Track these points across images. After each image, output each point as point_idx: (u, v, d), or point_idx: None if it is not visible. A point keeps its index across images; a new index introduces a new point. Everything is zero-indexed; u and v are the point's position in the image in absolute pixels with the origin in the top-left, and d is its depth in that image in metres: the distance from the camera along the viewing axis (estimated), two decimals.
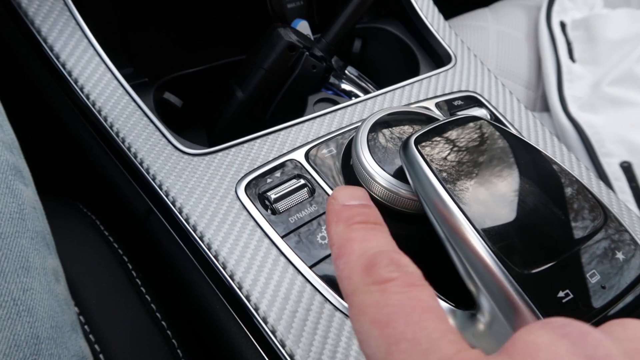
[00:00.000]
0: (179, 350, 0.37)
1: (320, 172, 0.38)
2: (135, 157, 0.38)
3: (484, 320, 0.30)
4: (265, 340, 0.32)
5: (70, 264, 0.35)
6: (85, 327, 0.35)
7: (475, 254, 0.29)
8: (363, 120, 0.38)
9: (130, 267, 0.40)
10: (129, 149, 0.39)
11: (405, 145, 0.33)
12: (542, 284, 0.28)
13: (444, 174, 0.31)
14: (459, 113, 0.45)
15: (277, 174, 0.38)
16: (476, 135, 0.34)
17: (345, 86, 0.52)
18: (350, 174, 0.38)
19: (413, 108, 0.41)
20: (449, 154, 0.32)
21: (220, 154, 0.39)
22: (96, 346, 0.35)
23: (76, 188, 0.56)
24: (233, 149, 0.39)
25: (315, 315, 0.32)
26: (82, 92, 0.41)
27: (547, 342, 0.18)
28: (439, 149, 0.33)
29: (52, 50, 0.42)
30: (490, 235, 0.29)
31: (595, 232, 0.31)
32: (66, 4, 0.44)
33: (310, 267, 0.33)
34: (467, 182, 0.31)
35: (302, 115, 0.43)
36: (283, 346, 0.31)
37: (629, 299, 0.29)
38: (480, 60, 0.53)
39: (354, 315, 0.22)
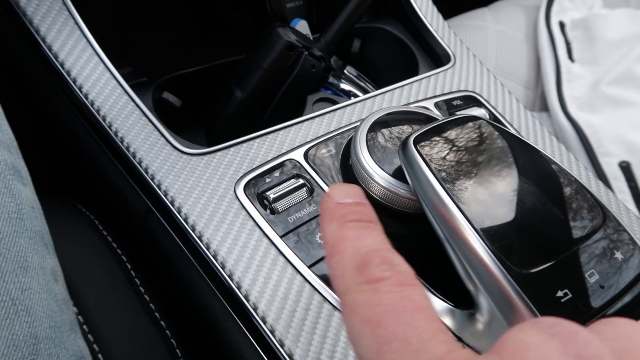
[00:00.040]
0: (177, 350, 0.37)
1: (319, 172, 0.38)
2: (134, 156, 0.38)
3: (482, 320, 0.30)
4: (264, 339, 0.32)
5: (68, 263, 0.35)
6: (84, 326, 0.35)
7: (474, 253, 0.29)
8: (362, 120, 0.38)
9: (129, 266, 0.40)
10: (127, 148, 0.39)
11: (404, 145, 0.33)
12: (541, 284, 0.28)
13: (443, 174, 0.31)
14: (458, 113, 0.45)
15: (276, 173, 0.38)
16: (475, 135, 0.34)
17: (345, 86, 0.52)
18: (349, 173, 0.38)
19: (412, 108, 0.41)
20: (448, 153, 0.32)
21: (219, 153, 0.39)
22: (95, 346, 0.35)
23: (75, 188, 0.55)
24: (232, 149, 0.39)
25: (314, 315, 0.32)
26: (81, 91, 0.41)
27: (537, 342, 0.18)
28: (438, 149, 0.33)
29: (50, 49, 0.42)
30: (489, 234, 0.29)
31: (593, 232, 0.31)
32: (64, 3, 0.43)
33: (309, 267, 0.33)
34: (466, 181, 0.31)
35: (301, 115, 0.43)
36: (282, 345, 0.31)
37: (627, 298, 0.29)
38: (480, 60, 0.53)
39: (346, 314, 0.22)
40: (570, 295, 0.28)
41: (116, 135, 0.39)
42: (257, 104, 0.49)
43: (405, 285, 0.21)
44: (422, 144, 0.33)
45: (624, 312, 0.29)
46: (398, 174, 0.35)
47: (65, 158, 0.53)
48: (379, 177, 0.35)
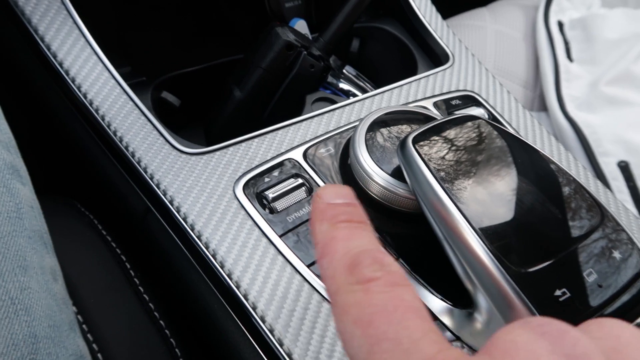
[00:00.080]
0: (177, 350, 0.37)
1: (318, 172, 0.38)
2: (133, 156, 0.38)
3: (481, 319, 0.30)
4: (263, 339, 0.32)
5: (68, 263, 0.35)
6: (83, 326, 0.35)
7: (473, 253, 0.29)
8: (361, 120, 0.38)
9: (128, 266, 0.40)
10: (126, 147, 0.39)
11: (403, 144, 0.33)
12: (539, 283, 0.28)
13: (442, 173, 0.31)
14: (456, 112, 0.45)
15: (275, 173, 0.38)
16: (474, 135, 0.34)
17: (343, 85, 0.52)
18: (348, 173, 0.38)
19: (411, 107, 0.41)
20: (446, 153, 0.32)
21: (218, 153, 0.39)
22: (94, 345, 0.35)
23: (74, 187, 0.55)
24: (231, 148, 0.39)
25: (313, 314, 0.32)
26: (80, 91, 0.41)
27: (526, 341, 0.18)
28: (436, 148, 0.33)
29: (49, 48, 0.42)
30: (488, 234, 0.29)
31: (592, 231, 0.31)
32: (63, 2, 0.43)
33: (308, 266, 0.34)
34: (464, 181, 0.31)
35: (300, 115, 0.43)
36: (281, 345, 0.31)
37: (625, 297, 0.29)
38: (478, 59, 0.53)
39: (337, 315, 0.22)
40: (568, 295, 0.28)
41: (115, 135, 0.39)
42: (256, 104, 0.49)
43: (396, 286, 0.21)
44: (421, 143, 0.33)
45: (622, 311, 0.29)
46: (397, 174, 0.35)
47: (64, 157, 0.53)
48: (378, 176, 0.35)
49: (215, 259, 0.34)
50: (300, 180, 0.38)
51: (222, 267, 0.33)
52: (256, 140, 0.40)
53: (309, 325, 0.31)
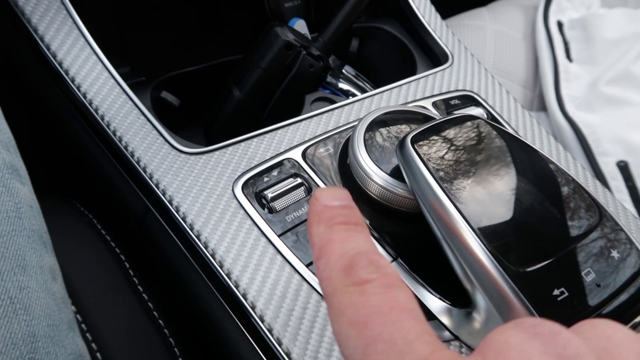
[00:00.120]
0: (175, 349, 0.37)
1: (317, 171, 0.38)
2: (132, 155, 0.38)
3: (480, 319, 0.30)
4: (262, 338, 0.32)
5: (67, 262, 0.35)
6: (82, 325, 0.35)
7: (471, 252, 0.29)
8: (360, 120, 0.38)
9: (127, 265, 0.40)
10: (125, 147, 0.39)
11: (401, 144, 0.33)
12: (538, 282, 0.28)
13: (441, 173, 0.31)
14: (455, 112, 0.45)
15: (274, 172, 0.38)
16: (473, 135, 0.34)
17: (343, 85, 0.52)
18: (347, 172, 0.38)
19: (410, 107, 0.41)
20: (445, 153, 0.33)
21: (217, 152, 0.39)
22: (93, 345, 0.35)
23: (73, 187, 0.55)
24: (230, 148, 0.39)
25: (311, 314, 0.32)
26: (79, 90, 0.41)
27: (519, 342, 0.19)
28: (435, 148, 0.33)
29: (48, 49, 0.42)
30: (487, 234, 0.29)
31: (590, 231, 0.31)
32: (63, 3, 0.43)
33: (307, 266, 0.34)
34: (463, 181, 0.31)
35: (299, 114, 0.43)
36: (280, 344, 0.31)
37: (623, 297, 0.29)
38: (478, 59, 0.53)
39: (333, 316, 0.22)
40: (566, 294, 0.28)
41: (114, 134, 0.39)
42: (255, 103, 0.49)
43: (391, 287, 0.21)
44: (420, 143, 0.33)
45: (621, 311, 0.29)
46: (396, 173, 0.35)
47: (63, 157, 0.53)
48: (377, 176, 0.35)
49: (214, 258, 0.34)
50: (299, 180, 0.38)
51: (221, 266, 0.33)
52: (255, 140, 0.40)
53: (307, 324, 0.31)
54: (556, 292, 0.28)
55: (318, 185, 0.38)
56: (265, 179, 0.38)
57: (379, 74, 0.58)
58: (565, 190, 0.33)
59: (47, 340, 0.26)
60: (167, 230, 0.38)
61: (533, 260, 0.29)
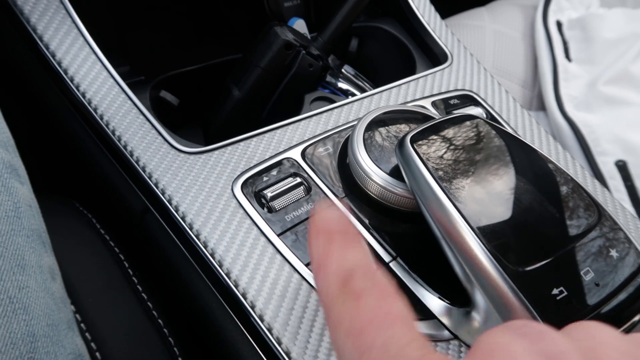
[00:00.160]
0: (175, 348, 0.37)
1: (316, 171, 0.38)
2: (132, 155, 0.38)
3: (479, 318, 0.30)
4: (262, 337, 0.32)
5: (66, 262, 0.35)
6: (82, 325, 0.35)
7: (471, 252, 0.29)
8: (359, 119, 0.38)
9: (127, 265, 0.40)
10: (125, 147, 0.39)
11: (401, 143, 0.33)
12: (537, 282, 0.28)
13: (440, 173, 0.31)
14: (455, 112, 0.45)
15: (274, 172, 0.38)
16: (472, 134, 0.34)
17: (342, 85, 0.52)
18: (347, 172, 0.38)
19: (409, 107, 0.41)
20: (445, 152, 0.33)
21: (216, 152, 0.39)
22: (92, 344, 0.35)
23: (72, 186, 0.55)
24: (229, 148, 0.39)
25: (311, 313, 0.32)
26: (78, 90, 0.41)
27: (506, 342, 0.19)
28: (435, 148, 0.33)
29: (47, 48, 0.42)
30: (486, 233, 0.29)
31: (589, 230, 0.31)
32: (62, 2, 0.43)
33: (307, 265, 0.34)
34: (462, 180, 0.31)
35: (298, 114, 0.43)
36: (279, 343, 0.31)
37: (622, 296, 0.29)
38: (477, 59, 0.53)
39: (331, 327, 0.23)
40: (565, 293, 0.28)
41: (113, 134, 0.39)
42: (254, 103, 0.49)
43: (385, 297, 0.22)
44: (419, 142, 0.33)
45: (619, 310, 0.29)
46: (395, 173, 0.35)
47: (62, 157, 0.53)
48: (376, 175, 0.35)
49: (213, 258, 0.34)
50: (298, 180, 0.38)
51: (220, 265, 0.33)
52: (255, 139, 0.40)
53: (307, 323, 0.31)
54: (555, 291, 0.28)
55: (317, 185, 0.38)
56: (265, 179, 0.38)
57: (378, 74, 0.58)
58: (564, 189, 0.33)
59: (46, 340, 0.26)
60: (166, 230, 0.37)
61: (532, 259, 0.29)
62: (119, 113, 0.40)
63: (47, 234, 0.31)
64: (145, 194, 0.39)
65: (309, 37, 0.55)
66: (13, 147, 0.32)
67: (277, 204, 0.36)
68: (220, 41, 0.61)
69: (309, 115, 0.43)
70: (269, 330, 0.31)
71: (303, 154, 0.39)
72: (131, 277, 0.40)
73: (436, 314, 0.32)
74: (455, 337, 0.32)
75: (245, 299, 0.32)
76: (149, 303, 0.39)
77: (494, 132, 0.35)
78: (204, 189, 0.37)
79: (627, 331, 0.30)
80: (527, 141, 0.36)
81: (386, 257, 0.34)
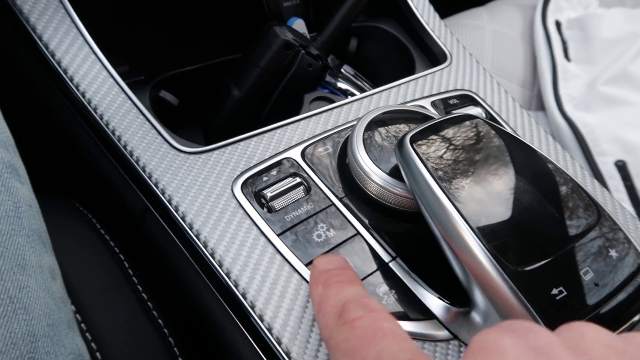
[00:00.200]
0: (175, 348, 0.37)
1: (316, 171, 0.39)
2: (131, 155, 0.38)
3: (478, 318, 0.30)
4: (262, 337, 0.32)
5: (66, 262, 0.35)
6: (82, 325, 0.35)
7: (470, 252, 0.29)
8: (359, 119, 0.38)
9: (127, 265, 0.40)
10: (124, 147, 0.39)
11: (400, 143, 0.33)
12: (536, 282, 0.28)
13: (440, 173, 0.31)
14: (454, 112, 0.45)
15: (273, 172, 0.38)
16: (471, 134, 0.34)
17: (341, 85, 0.52)
18: (346, 172, 0.38)
19: (409, 107, 0.41)
20: (444, 152, 0.33)
21: (216, 152, 0.39)
22: (92, 344, 0.35)
23: (72, 186, 0.55)
24: (229, 147, 0.39)
25: (311, 313, 0.32)
26: (78, 90, 0.41)
27: (495, 338, 0.20)
28: (434, 148, 0.33)
29: (47, 48, 0.42)
30: (485, 233, 0.29)
31: (589, 230, 0.31)
32: (61, 1, 0.43)
33: (307, 265, 0.34)
34: (462, 180, 0.31)
35: (298, 114, 0.43)
36: (279, 343, 0.31)
37: (621, 296, 0.29)
38: (476, 59, 0.53)
39: (331, 354, 0.25)
40: (565, 293, 0.28)
41: (113, 134, 0.39)
42: (254, 103, 0.49)
43: (378, 320, 0.24)
44: (419, 142, 0.33)
45: (619, 310, 0.29)
46: (395, 173, 0.35)
47: (62, 156, 0.53)
48: (376, 175, 0.35)
49: (213, 258, 0.34)
50: (298, 179, 0.38)
51: (220, 265, 0.33)
52: (254, 139, 0.40)
53: (307, 323, 0.31)
54: (555, 291, 0.28)
55: (317, 185, 0.38)
56: (265, 179, 0.38)
57: (377, 74, 0.58)
58: (563, 189, 0.33)
59: (46, 340, 0.26)
60: (166, 230, 0.38)
61: (531, 259, 0.29)
62: (119, 113, 0.40)
63: (47, 234, 0.31)
64: (145, 194, 0.39)
65: (308, 37, 0.55)
66: (13, 147, 0.32)
67: (277, 204, 0.36)
68: (220, 41, 0.61)
69: (308, 115, 0.43)
70: (269, 330, 0.31)
71: (303, 154, 0.39)
72: (131, 277, 0.40)
73: (436, 314, 0.32)
74: (455, 337, 0.32)
75: (245, 299, 0.32)
76: (149, 303, 0.39)
77: (493, 132, 0.35)
78: (204, 188, 0.37)
79: (627, 331, 0.30)
80: (527, 141, 0.36)
81: (386, 257, 0.34)
